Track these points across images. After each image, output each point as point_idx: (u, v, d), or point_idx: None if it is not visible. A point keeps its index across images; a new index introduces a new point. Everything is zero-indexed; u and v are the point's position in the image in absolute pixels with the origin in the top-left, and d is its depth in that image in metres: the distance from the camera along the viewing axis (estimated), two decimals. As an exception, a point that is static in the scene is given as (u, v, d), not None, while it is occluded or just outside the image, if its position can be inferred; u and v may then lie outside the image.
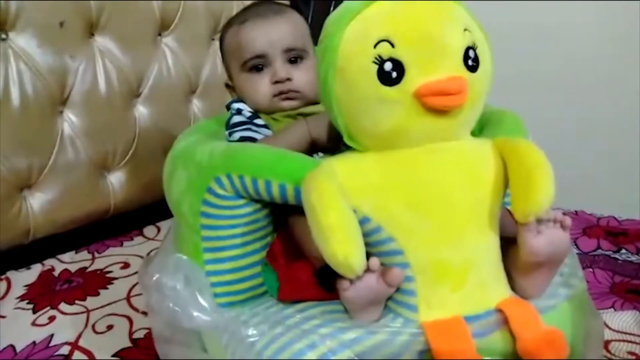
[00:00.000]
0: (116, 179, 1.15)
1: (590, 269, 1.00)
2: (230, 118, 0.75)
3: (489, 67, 0.52)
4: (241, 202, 0.57)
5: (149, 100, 1.19)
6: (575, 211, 1.28)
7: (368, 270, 0.48)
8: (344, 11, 0.51)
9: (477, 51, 0.51)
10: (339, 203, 0.48)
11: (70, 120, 1.05)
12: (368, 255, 0.50)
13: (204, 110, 1.31)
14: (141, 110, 1.18)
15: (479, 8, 0.55)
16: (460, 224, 0.51)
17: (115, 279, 0.98)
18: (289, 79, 0.73)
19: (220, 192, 0.57)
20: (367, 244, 0.50)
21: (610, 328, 0.81)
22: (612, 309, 0.86)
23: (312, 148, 0.68)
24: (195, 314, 0.56)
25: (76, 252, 1.08)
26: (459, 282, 0.51)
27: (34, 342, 0.79)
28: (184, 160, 0.63)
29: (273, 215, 0.61)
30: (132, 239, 1.16)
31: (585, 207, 1.29)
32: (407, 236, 0.51)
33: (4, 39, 0.93)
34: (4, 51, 0.93)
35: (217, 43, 1.32)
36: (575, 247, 1.10)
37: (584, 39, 1.42)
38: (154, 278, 0.57)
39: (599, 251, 1.08)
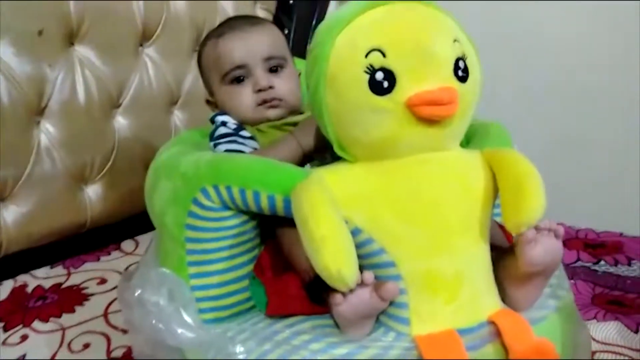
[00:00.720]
0: (93, 191, 1.12)
1: (572, 281, 1.01)
2: (214, 130, 0.74)
3: (478, 78, 0.52)
4: (228, 213, 0.56)
5: (129, 111, 1.16)
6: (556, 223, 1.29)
7: (361, 284, 0.47)
8: (335, 21, 0.51)
9: (467, 62, 0.51)
10: (331, 214, 0.47)
11: (47, 131, 1.02)
12: (360, 267, 0.49)
13: (185, 121, 1.29)
14: (121, 121, 1.15)
15: (470, 15, 0.55)
16: (452, 235, 0.51)
17: (92, 295, 0.95)
18: (271, 87, 0.73)
19: (207, 203, 0.55)
20: (359, 256, 0.49)
21: (594, 339, 0.82)
22: (594, 320, 0.87)
23: (303, 159, 0.67)
24: (179, 330, 0.54)
25: (51, 267, 1.05)
26: (452, 294, 0.50)
27: (5, 363, 0.75)
28: (167, 171, 0.61)
29: (260, 228, 0.60)
30: (109, 254, 1.12)
31: (564, 219, 1.31)
32: (399, 247, 0.50)
33: (-21, 47, 0.90)
34: (-21, 59, 0.90)
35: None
36: (556, 259, 1.11)
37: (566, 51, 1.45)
38: (136, 293, 0.55)
39: (579, 263, 1.09)
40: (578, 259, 1.11)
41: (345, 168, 0.53)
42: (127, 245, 1.17)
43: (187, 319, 0.54)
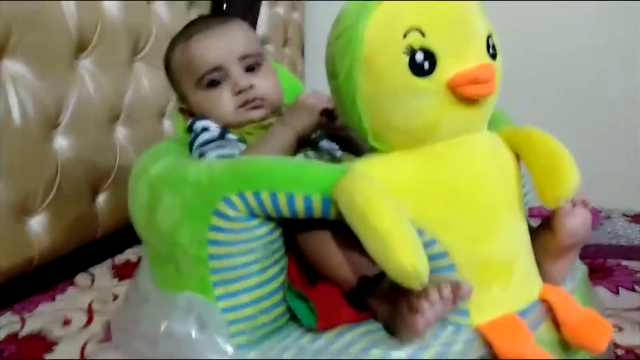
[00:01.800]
0: (38, 223, 0.99)
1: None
2: (195, 138, 0.68)
3: (500, 57, 0.51)
4: (256, 222, 0.50)
5: (70, 130, 1.05)
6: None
7: (439, 299, 0.44)
8: (363, 3, 0.48)
9: (494, 39, 0.50)
10: (391, 206, 0.44)
11: (-20, 160, 0.88)
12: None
13: (129, 138, 1.19)
14: (61, 142, 1.03)
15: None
16: (499, 216, 0.50)
17: (60, 338, 0.83)
18: (251, 87, 0.69)
19: (232, 213, 0.50)
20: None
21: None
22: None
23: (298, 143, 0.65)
24: (217, 360, 0.47)
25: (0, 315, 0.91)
26: (507, 277, 0.49)
27: None
28: (171, 184, 0.55)
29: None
30: (64, 291, 1.00)
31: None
32: (450, 235, 0.48)
33: None
34: None
35: (138, 65, 1.22)
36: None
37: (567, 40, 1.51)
38: (163, 327, 0.48)
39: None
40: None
41: (382, 158, 0.50)
42: (82, 279, 1.05)
43: (225, 346, 0.48)
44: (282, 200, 0.49)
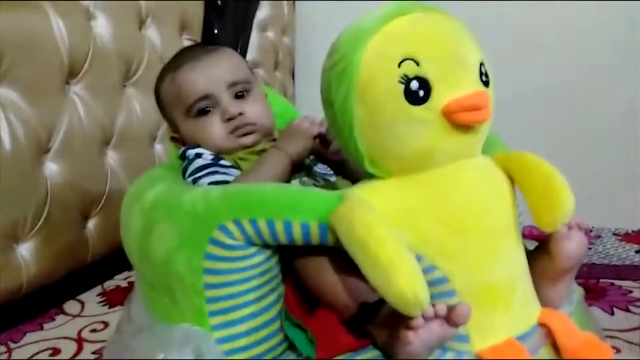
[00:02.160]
0: (27, 250, 0.98)
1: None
2: (188, 164, 0.68)
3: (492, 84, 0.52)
4: (253, 250, 0.50)
5: (60, 156, 1.04)
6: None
7: (434, 316, 0.44)
8: (358, 31, 0.48)
9: (485, 66, 0.51)
10: (390, 233, 0.44)
11: (-31, 186, 0.87)
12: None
13: (121, 162, 1.19)
14: (52, 167, 1.03)
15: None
16: (499, 240, 0.50)
17: (45, 369, 0.81)
18: (241, 114, 0.69)
19: (228, 241, 0.49)
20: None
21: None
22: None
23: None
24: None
25: (-16, 346, 0.89)
26: (508, 301, 0.49)
27: None
28: (166, 212, 0.54)
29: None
30: (53, 319, 0.98)
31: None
32: (450, 260, 0.48)
33: None
34: None
35: (129, 90, 1.22)
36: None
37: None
38: (160, 357, 0.47)
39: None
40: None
41: (379, 185, 0.50)
42: (70, 307, 1.03)
43: (222, 377, 0.47)
44: (280, 227, 0.48)
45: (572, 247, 0.51)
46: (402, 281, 0.42)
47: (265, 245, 0.51)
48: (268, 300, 0.51)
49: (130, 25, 1.23)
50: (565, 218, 0.49)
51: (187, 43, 1.43)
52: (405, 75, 0.46)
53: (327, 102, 0.50)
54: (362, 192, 0.49)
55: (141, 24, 1.27)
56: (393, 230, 0.45)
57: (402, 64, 0.46)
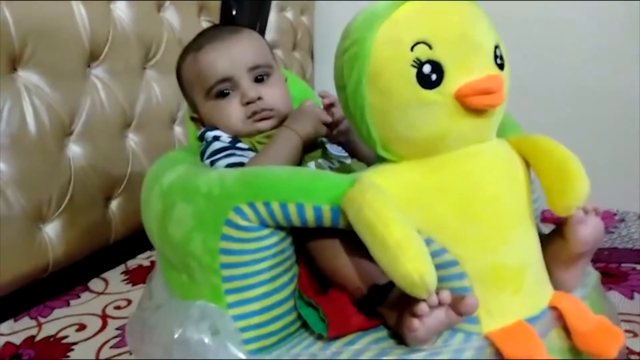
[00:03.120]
0: (53, 230, 1.01)
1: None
2: (207, 147, 0.69)
3: (508, 66, 0.52)
4: (267, 232, 0.51)
5: (83, 138, 1.06)
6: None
7: (439, 304, 0.44)
8: (370, 16, 0.48)
9: (501, 49, 0.50)
10: (399, 216, 0.44)
11: (-4, 168, 0.90)
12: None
13: (141, 144, 1.21)
14: (75, 149, 1.05)
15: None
16: (510, 224, 0.50)
17: (75, 344, 0.85)
18: (259, 98, 0.69)
19: (243, 223, 0.50)
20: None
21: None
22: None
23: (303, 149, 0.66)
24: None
25: (15, 320, 0.93)
26: (518, 284, 0.49)
27: None
28: (184, 194, 0.56)
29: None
30: (78, 296, 1.02)
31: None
32: (461, 244, 0.48)
33: None
34: None
35: (149, 72, 1.24)
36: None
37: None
38: (177, 334, 0.49)
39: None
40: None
41: (392, 168, 0.50)
42: (95, 284, 1.07)
43: (237, 353, 0.49)
44: (292, 210, 0.49)
45: (587, 232, 0.51)
46: (409, 263, 0.42)
47: (279, 227, 0.52)
48: (281, 280, 0.53)
49: (149, 8, 1.24)
50: (579, 202, 0.49)
51: (205, 25, 1.43)
52: (418, 59, 0.46)
53: (340, 87, 0.50)
54: (374, 175, 0.49)
55: (160, 6, 1.28)
56: (402, 213, 0.45)
57: (415, 48, 0.46)
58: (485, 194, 0.49)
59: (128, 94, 1.17)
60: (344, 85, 0.49)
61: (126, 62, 1.17)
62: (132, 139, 1.20)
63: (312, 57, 1.95)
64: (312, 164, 0.67)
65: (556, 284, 0.54)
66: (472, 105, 0.46)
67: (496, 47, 0.49)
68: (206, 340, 0.48)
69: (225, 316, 0.50)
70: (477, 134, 0.50)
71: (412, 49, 0.46)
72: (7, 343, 0.86)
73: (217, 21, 1.49)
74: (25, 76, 0.95)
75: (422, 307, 0.43)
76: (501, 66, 0.49)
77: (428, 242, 0.48)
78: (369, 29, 0.47)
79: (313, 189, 0.49)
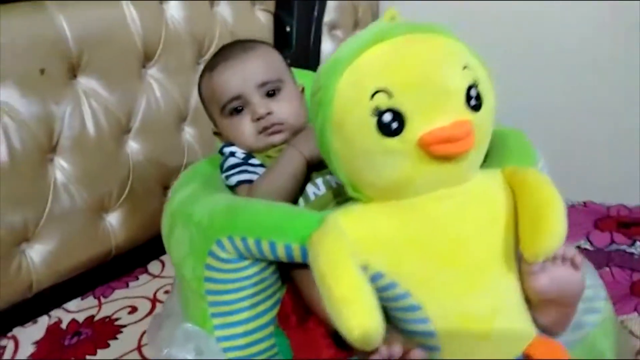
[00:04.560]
0: (115, 219, 1.12)
1: (607, 268, 0.98)
2: (224, 161, 0.73)
3: (492, 104, 0.49)
4: (246, 263, 0.55)
5: (140, 135, 1.15)
6: (584, 202, 1.25)
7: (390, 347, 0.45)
8: (335, 61, 0.48)
9: (479, 88, 0.48)
10: (350, 270, 0.45)
11: (61, 167, 1.02)
12: (385, 310, 0.48)
13: (196, 137, 1.28)
14: (133, 145, 1.15)
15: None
16: (481, 269, 0.49)
17: (124, 326, 0.95)
18: (269, 113, 0.71)
19: (223, 255, 0.54)
20: (381, 299, 0.48)
21: (635, 335, 0.79)
22: (635, 314, 0.84)
23: (309, 168, 0.67)
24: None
25: (82, 299, 1.06)
26: (486, 331, 0.48)
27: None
28: (183, 219, 0.61)
29: (280, 269, 0.58)
30: (137, 278, 1.13)
31: (593, 197, 1.27)
32: (426, 289, 0.48)
33: (-16, 94, 0.90)
34: (-15, 107, 0.90)
35: (202, 67, 1.30)
36: (588, 243, 1.08)
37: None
38: (164, 352, 0.55)
39: (614, 246, 1.06)
40: (612, 241, 1.07)
41: (361, 209, 0.51)
42: (153, 267, 1.18)
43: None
44: (266, 246, 0.52)
45: (540, 283, 0.48)
46: (353, 319, 0.43)
47: (259, 259, 0.55)
48: (263, 307, 0.56)
49: (202, 4, 1.28)
50: (547, 252, 0.47)
51: (260, 14, 1.46)
52: (377, 108, 0.45)
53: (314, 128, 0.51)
54: (342, 215, 0.50)
55: (212, 0, 1.31)
56: (355, 265, 0.45)
57: (375, 96, 0.45)
58: (452, 239, 0.48)
59: (182, 89, 1.24)
60: (315, 129, 0.50)
61: (180, 60, 1.23)
62: (188, 132, 1.27)
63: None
64: (319, 181, 0.69)
65: (539, 327, 0.52)
66: (435, 153, 0.45)
67: (471, 87, 0.47)
68: (189, 357, 0.54)
69: (210, 339, 0.55)
70: (447, 179, 0.48)
71: (372, 97, 0.45)
72: (73, 320, 0.99)
73: (272, 8, 1.51)
74: (84, 82, 1.04)
75: (374, 355, 0.45)
76: (476, 107, 0.47)
77: (391, 285, 0.48)
78: (333, 75, 0.47)
79: (285, 228, 0.52)
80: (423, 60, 0.46)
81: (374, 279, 0.48)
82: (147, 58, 1.16)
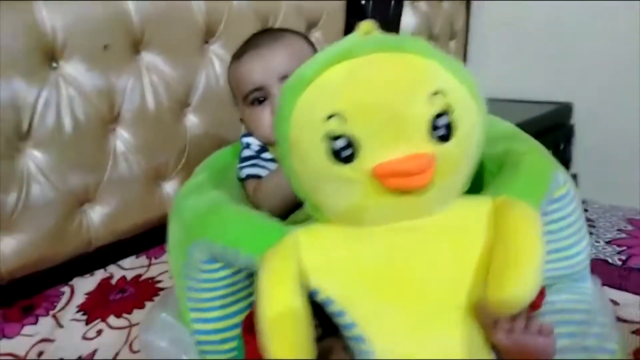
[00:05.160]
0: (171, 187, 1.20)
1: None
2: (241, 152, 0.75)
3: (467, 131, 0.44)
4: (217, 266, 0.56)
5: (199, 110, 1.21)
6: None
7: None
8: (298, 77, 0.46)
9: (453, 116, 0.43)
10: (287, 293, 0.44)
11: (122, 137, 1.10)
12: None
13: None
14: (192, 119, 1.20)
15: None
16: (437, 310, 0.46)
17: (162, 289, 1.03)
18: None
19: (197, 256, 0.56)
20: (335, 323, 0.47)
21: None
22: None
23: None
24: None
25: (136, 257, 1.15)
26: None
27: (79, 358, 0.86)
28: (176, 211, 0.63)
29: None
30: (186, 244, 1.20)
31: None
32: (372, 324, 0.46)
33: (54, 68, 0.99)
34: (55, 80, 0.99)
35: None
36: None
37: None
38: (142, 337, 0.59)
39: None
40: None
41: (320, 230, 0.49)
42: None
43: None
44: (231, 254, 0.53)
45: (506, 343, 0.44)
46: (274, 344, 0.43)
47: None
48: (234, 308, 0.57)
49: (268, -21, 1.28)
50: (511, 308, 0.42)
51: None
52: (331, 133, 0.43)
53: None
54: (302, 234, 0.49)
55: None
56: (294, 293, 0.44)
57: (330, 120, 0.43)
58: (406, 275, 0.45)
59: (244, 66, 1.26)
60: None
61: (243, 36, 1.23)
62: (246, 107, 1.30)
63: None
64: None
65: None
66: (389, 186, 0.42)
67: (440, 115, 0.42)
68: (165, 347, 0.57)
69: (183, 332, 0.58)
70: (406, 211, 0.45)
71: (327, 119, 0.43)
72: (122, 277, 1.09)
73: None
74: (146, 57, 1.10)
75: None
76: (444, 137, 0.43)
77: (340, 313, 0.47)
78: (294, 93, 0.45)
79: (248, 239, 0.52)
80: (384, 84, 0.42)
81: (325, 304, 0.47)
82: (209, 34, 1.19)
